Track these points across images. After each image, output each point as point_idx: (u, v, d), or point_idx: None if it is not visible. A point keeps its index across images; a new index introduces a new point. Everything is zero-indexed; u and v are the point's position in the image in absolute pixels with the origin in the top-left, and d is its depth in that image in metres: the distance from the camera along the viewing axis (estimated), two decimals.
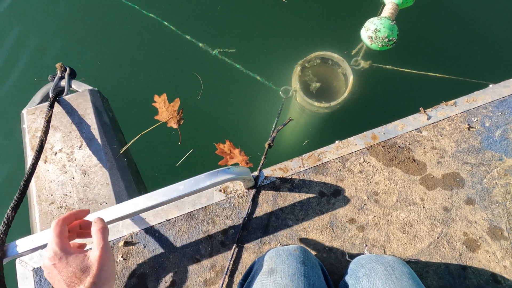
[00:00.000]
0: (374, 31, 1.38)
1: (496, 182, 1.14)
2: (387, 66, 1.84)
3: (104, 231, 0.69)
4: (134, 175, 1.45)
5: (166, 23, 1.87)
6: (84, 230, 0.80)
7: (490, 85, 1.25)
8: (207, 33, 1.92)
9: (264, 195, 1.18)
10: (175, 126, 1.54)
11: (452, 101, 1.24)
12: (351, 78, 1.74)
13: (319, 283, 0.84)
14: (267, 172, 1.21)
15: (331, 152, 1.22)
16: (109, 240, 1.14)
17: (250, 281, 0.89)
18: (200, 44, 1.82)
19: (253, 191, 1.18)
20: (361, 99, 1.89)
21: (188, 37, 1.81)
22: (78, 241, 0.93)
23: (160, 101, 1.56)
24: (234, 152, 1.35)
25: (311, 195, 1.16)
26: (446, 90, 1.72)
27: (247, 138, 1.80)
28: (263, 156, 1.26)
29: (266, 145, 1.35)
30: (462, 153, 1.18)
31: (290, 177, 1.19)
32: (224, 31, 1.97)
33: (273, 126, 1.48)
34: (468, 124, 1.21)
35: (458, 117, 1.22)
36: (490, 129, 1.20)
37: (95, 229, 0.68)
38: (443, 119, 1.22)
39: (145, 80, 1.92)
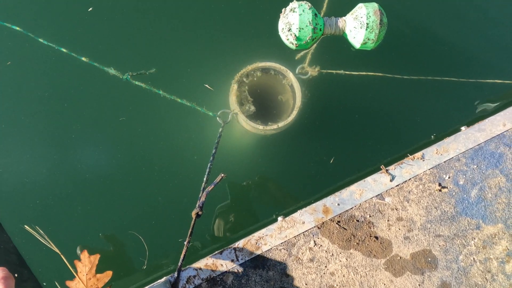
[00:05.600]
0: (291, 9, 0.98)
1: (474, 258, 0.92)
2: (339, 71, 1.54)
3: (6, 280, 0.58)
4: None
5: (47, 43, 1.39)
6: None
7: (462, 128, 1.01)
8: (113, 54, 1.46)
9: None
10: None
11: (419, 154, 0.98)
12: (298, 92, 1.42)
13: None
14: (189, 272, 0.90)
15: (273, 236, 0.93)
16: None
17: None
18: (106, 69, 1.38)
19: None
20: (314, 111, 1.57)
21: (85, 59, 1.36)
22: None
23: (85, 262, 0.97)
24: None
25: None
26: (408, 91, 1.47)
27: (180, 191, 1.40)
28: (186, 242, 0.94)
29: (193, 215, 1.03)
30: (434, 223, 0.94)
31: (220, 276, 0.90)
32: (136, 49, 1.52)
33: (203, 181, 1.12)
34: (439, 184, 0.96)
35: (427, 175, 0.97)
36: (465, 188, 0.96)
37: None
38: (409, 179, 0.96)
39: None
